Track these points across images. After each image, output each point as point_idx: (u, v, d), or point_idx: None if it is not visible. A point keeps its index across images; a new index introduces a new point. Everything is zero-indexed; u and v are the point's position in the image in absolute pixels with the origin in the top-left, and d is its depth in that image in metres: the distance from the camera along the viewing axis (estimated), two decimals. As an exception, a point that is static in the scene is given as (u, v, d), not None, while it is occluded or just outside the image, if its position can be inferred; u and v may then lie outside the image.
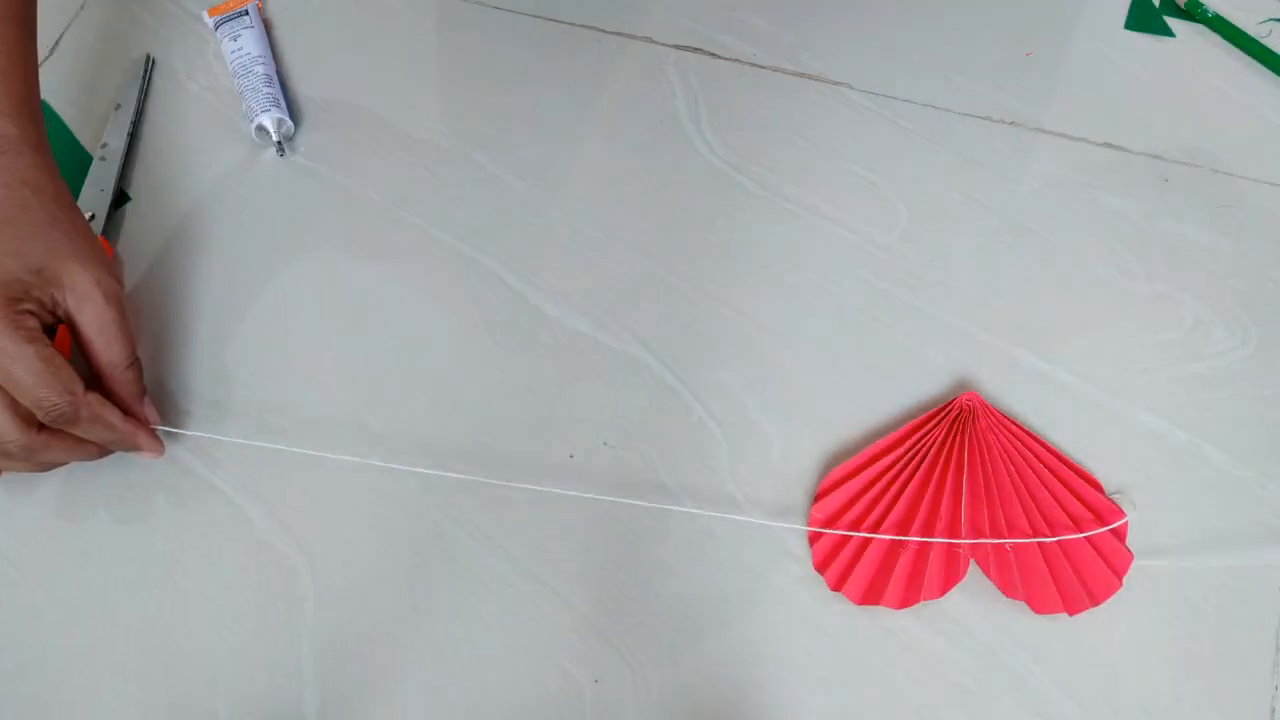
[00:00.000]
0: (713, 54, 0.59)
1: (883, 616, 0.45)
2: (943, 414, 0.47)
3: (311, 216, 0.55)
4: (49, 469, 0.45)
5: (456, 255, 0.53)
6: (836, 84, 0.58)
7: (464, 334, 0.51)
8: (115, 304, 0.44)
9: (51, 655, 0.45)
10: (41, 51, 0.60)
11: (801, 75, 0.58)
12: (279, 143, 0.55)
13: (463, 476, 0.47)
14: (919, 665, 0.44)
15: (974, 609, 0.45)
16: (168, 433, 0.48)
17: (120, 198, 0.55)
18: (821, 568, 0.45)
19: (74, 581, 0.46)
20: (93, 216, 0.54)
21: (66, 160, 0.56)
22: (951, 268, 0.52)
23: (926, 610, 0.45)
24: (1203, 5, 0.59)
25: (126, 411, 0.45)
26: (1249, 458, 0.47)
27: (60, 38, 0.61)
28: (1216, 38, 0.59)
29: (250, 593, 0.46)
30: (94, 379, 0.45)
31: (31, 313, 0.42)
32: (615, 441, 0.48)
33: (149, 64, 0.59)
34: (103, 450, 0.45)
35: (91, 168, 0.55)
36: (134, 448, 0.46)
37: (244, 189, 0.56)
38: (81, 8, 0.61)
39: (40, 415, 0.41)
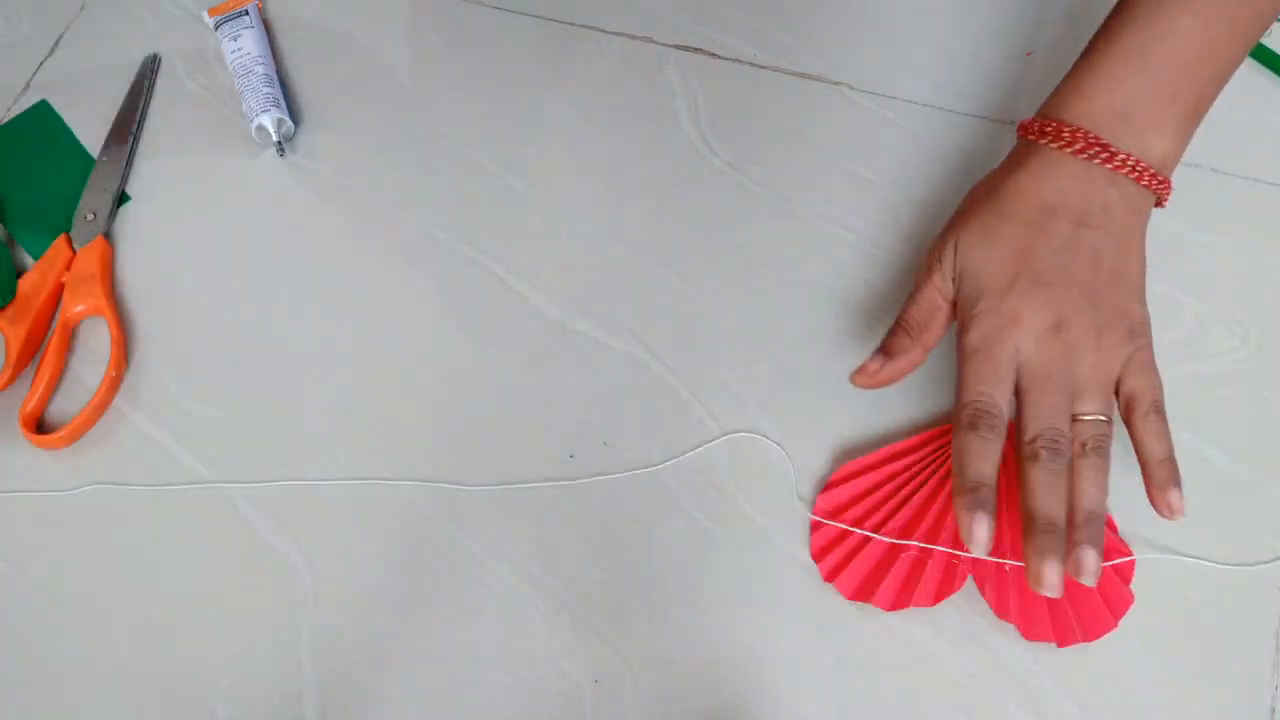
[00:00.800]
0: (713, 54, 0.59)
1: (883, 617, 0.45)
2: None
3: (311, 216, 0.55)
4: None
5: (456, 255, 0.53)
6: (836, 84, 0.58)
7: (464, 334, 0.51)
8: None
9: (52, 656, 0.45)
10: (41, 52, 0.60)
11: (801, 75, 0.58)
12: (279, 143, 0.55)
13: (465, 487, 0.47)
14: (919, 665, 0.44)
15: (974, 609, 0.45)
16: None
17: (120, 198, 0.55)
18: (818, 557, 0.45)
19: (74, 582, 0.46)
20: (94, 216, 0.54)
21: (67, 160, 0.56)
22: (951, 268, 0.52)
23: (926, 610, 0.45)
24: (1203, 5, 0.59)
25: None
26: (1249, 458, 0.47)
27: (60, 38, 0.61)
28: (1216, 38, 0.59)
29: (250, 593, 0.46)
30: None
31: None
32: (615, 441, 0.48)
33: (154, 64, 0.59)
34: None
35: (94, 169, 0.55)
36: None
37: (244, 189, 0.56)
38: (82, 8, 0.61)
39: None
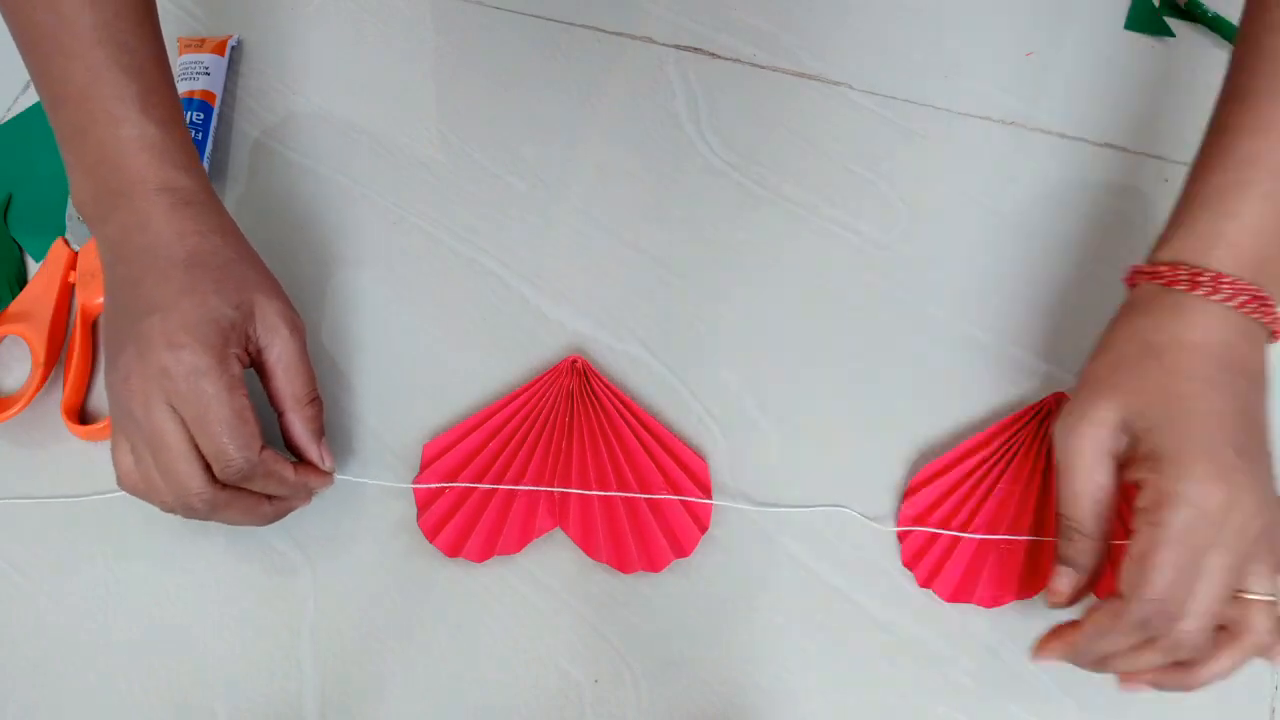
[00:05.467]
0: (713, 54, 0.59)
1: (882, 617, 0.45)
2: (1032, 414, 0.47)
3: (312, 216, 0.55)
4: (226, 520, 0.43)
5: (456, 255, 0.53)
6: (836, 84, 0.58)
7: (464, 334, 0.51)
8: (300, 338, 0.45)
9: (52, 656, 0.45)
10: (41, 51, 0.60)
11: (801, 75, 0.58)
12: None
13: (462, 485, 0.47)
14: (919, 665, 0.44)
15: (974, 609, 0.45)
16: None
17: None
18: (911, 564, 0.45)
19: (75, 583, 0.46)
20: (90, 216, 0.54)
21: (66, 160, 0.56)
22: (952, 267, 0.52)
23: (924, 609, 0.45)
24: (1203, 5, 0.59)
25: (301, 450, 0.44)
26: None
27: (60, 38, 0.61)
28: (1216, 38, 0.59)
29: (250, 593, 0.46)
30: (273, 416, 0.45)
31: (237, 357, 0.42)
32: (615, 441, 0.48)
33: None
34: (276, 514, 0.44)
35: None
36: (304, 498, 0.44)
37: (244, 189, 0.56)
38: (81, 8, 0.61)
39: (217, 469, 0.40)
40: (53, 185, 0.55)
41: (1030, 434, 0.47)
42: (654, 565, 0.45)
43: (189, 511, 0.41)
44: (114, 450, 0.42)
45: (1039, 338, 0.51)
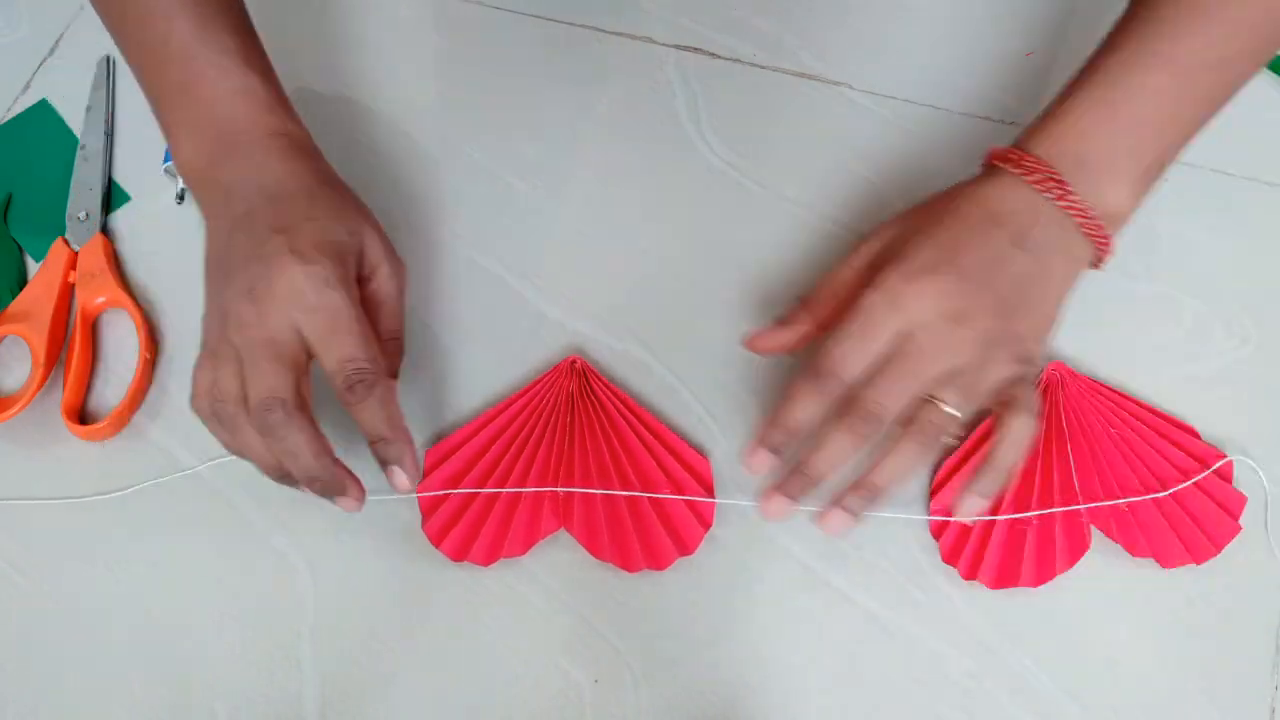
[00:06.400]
0: (713, 54, 0.59)
1: (882, 617, 0.45)
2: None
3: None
4: (275, 469, 0.42)
5: (456, 255, 0.53)
6: (836, 84, 0.58)
7: (464, 334, 0.51)
8: (400, 276, 0.46)
9: (52, 656, 0.45)
10: (41, 51, 0.60)
11: (801, 75, 0.58)
12: (182, 191, 0.55)
13: (463, 490, 0.47)
14: (919, 665, 0.44)
15: (974, 609, 0.45)
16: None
17: (110, 195, 0.55)
18: (951, 559, 0.45)
19: (75, 583, 0.46)
20: (87, 215, 0.54)
21: (68, 159, 0.56)
22: (951, 268, 0.52)
23: (926, 609, 0.45)
24: (1203, 5, 0.59)
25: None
26: (1249, 458, 0.47)
27: (60, 38, 0.61)
28: (1216, 38, 0.58)
29: (250, 593, 0.46)
30: None
31: (353, 278, 0.43)
32: (615, 441, 0.48)
33: (109, 64, 0.59)
34: (329, 480, 0.42)
35: (75, 169, 0.55)
36: (397, 452, 0.43)
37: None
38: (81, 8, 0.61)
39: (341, 377, 0.41)
40: (53, 185, 0.55)
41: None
42: (658, 563, 0.45)
43: (265, 417, 0.40)
44: (196, 370, 0.42)
45: (1039, 338, 0.51)
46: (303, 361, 0.42)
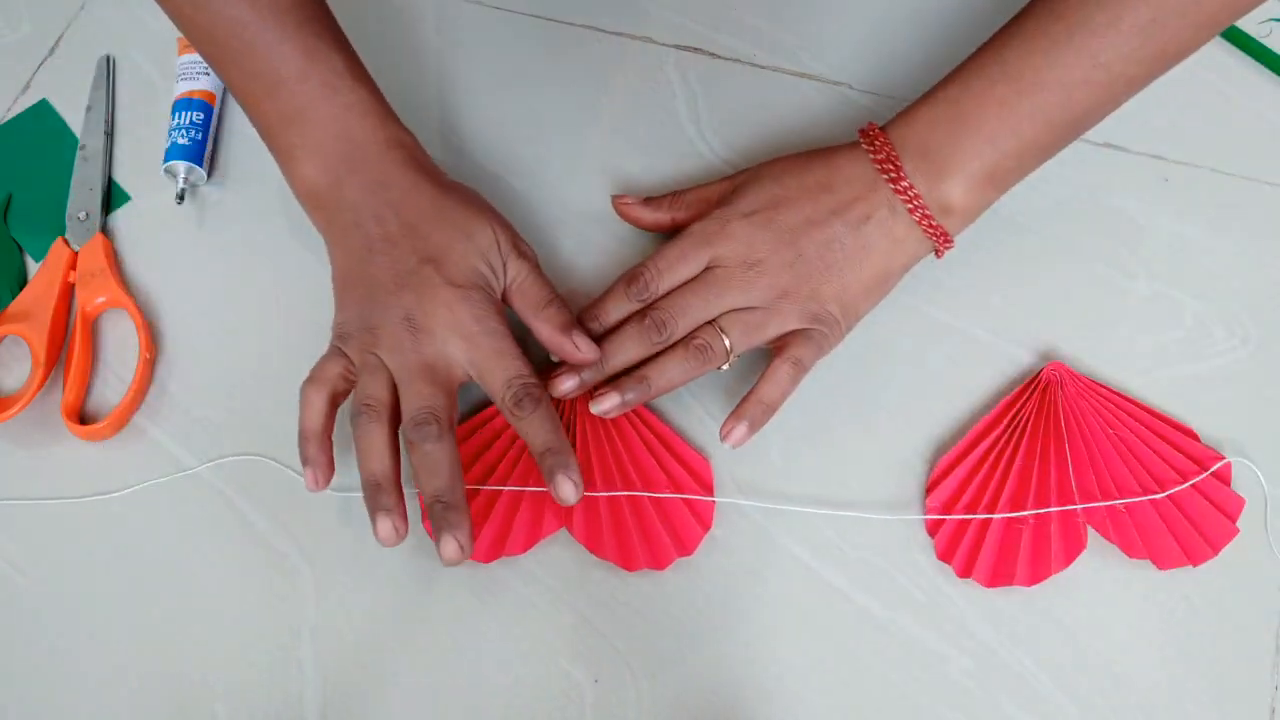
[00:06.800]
0: (713, 54, 0.59)
1: (882, 617, 0.45)
2: (1032, 387, 0.48)
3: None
4: (373, 468, 0.43)
5: (456, 255, 0.53)
6: (836, 84, 0.58)
7: (464, 334, 0.51)
8: (531, 259, 0.48)
9: (52, 656, 0.45)
10: (41, 51, 0.60)
11: (801, 75, 0.58)
12: (181, 190, 0.54)
13: (468, 487, 0.47)
14: (919, 665, 0.44)
15: (974, 609, 0.45)
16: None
17: (109, 195, 0.55)
18: (946, 557, 0.45)
19: (75, 583, 0.46)
20: (87, 215, 0.54)
21: (68, 159, 0.56)
22: (951, 267, 0.52)
23: (927, 610, 0.45)
24: (1202, 5, 0.59)
25: (556, 348, 0.46)
26: (1249, 458, 0.47)
27: (60, 38, 0.61)
28: (1216, 37, 0.58)
29: (250, 593, 0.46)
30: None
31: (499, 297, 0.46)
32: (615, 441, 0.48)
33: (109, 64, 0.59)
34: (453, 502, 0.42)
35: (75, 169, 0.55)
36: (564, 461, 0.43)
37: (245, 189, 0.56)
38: (81, 8, 0.61)
39: (509, 394, 0.43)
40: (53, 185, 0.55)
41: (1034, 407, 0.47)
42: (658, 563, 0.45)
43: (422, 425, 0.42)
44: (325, 361, 0.45)
45: (1038, 337, 0.51)
46: (455, 387, 0.44)
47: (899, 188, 0.46)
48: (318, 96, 0.46)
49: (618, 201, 0.52)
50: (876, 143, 0.46)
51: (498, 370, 0.44)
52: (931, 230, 0.46)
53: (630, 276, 0.47)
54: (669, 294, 0.46)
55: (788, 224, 0.46)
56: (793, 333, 0.46)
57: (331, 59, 0.46)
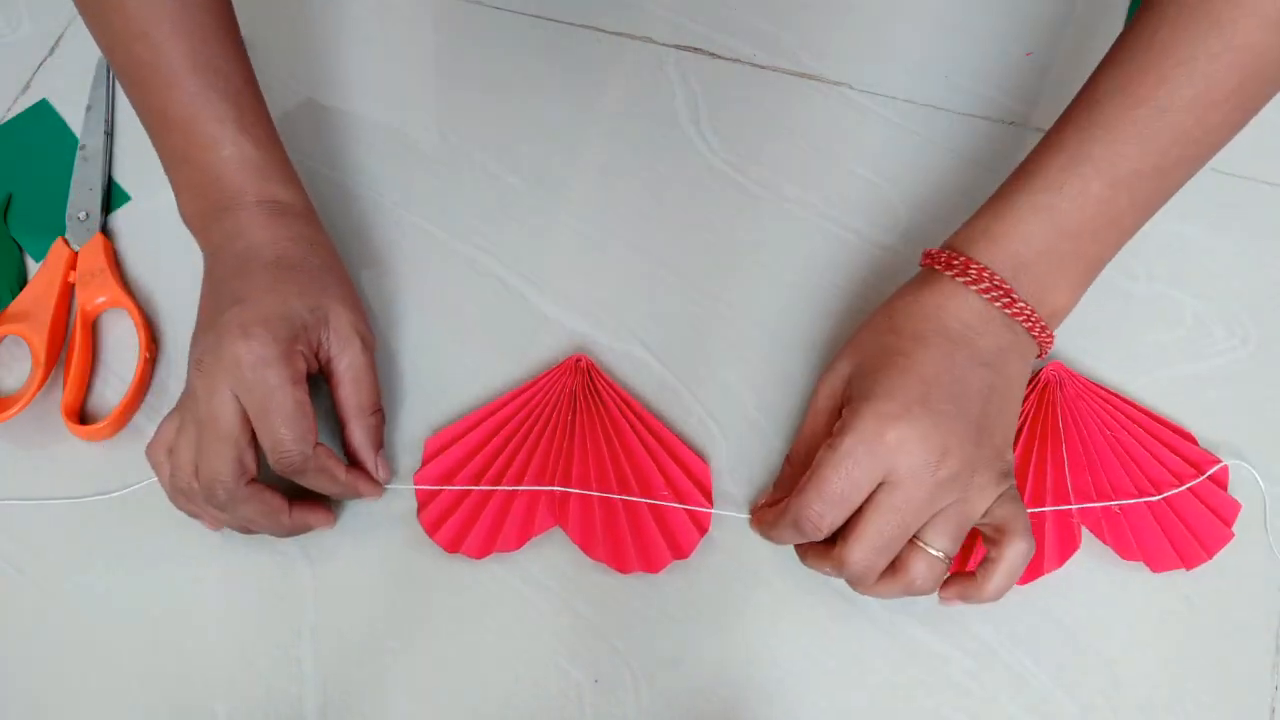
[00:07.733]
0: (713, 54, 0.59)
1: (883, 618, 0.45)
2: (1031, 387, 0.48)
3: (311, 216, 0.55)
4: (240, 529, 0.45)
5: (456, 255, 0.53)
6: (836, 84, 0.58)
7: (464, 334, 0.51)
8: (370, 351, 0.47)
9: (53, 656, 0.45)
10: (41, 51, 0.60)
11: (801, 75, 0.58)
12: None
13: (463, 487, 0.47)
14: (919, 665, 0.44)
15: (974, 609, 0.45)
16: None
17: (109, 195, 0.55)
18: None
19: (75, 583, 0.46)
20: (87, 215, 0.54)
21: (68, 159, 0.56)
22: (951, 268, 0.52)
23: (929, 611, 0.45)
24: (1203, 5, 0.59)
25: (359, 458, 0.46)
26: (1248, 458, 0.47)
27: (60, 38, 0.61)
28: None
29: (250, 593, 0.46)
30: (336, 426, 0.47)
31: (303, 354, 0.44)
32: (615, 441, 0.48)
33: (109, 64, 0.59)
34: (294, 527, 0.45)
35: (75, 169, 0.55)
36: (354, 495, 0.46)
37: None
38: (81, 8, 0.61)
39: (272, 458, 0.42)
40: (53, 185, 0.55)
41: (1033, 406, 0.47)
42: (652, 566, 0.45)
43: (210, 496, 0.42)
44: (164, 421, 0.44)
45: (1039, 338, 0.51)
46: (245, 435, 0.42)
47: (1015, 310, 0.42)
48: (197, 145, 0.46)
49: (755, 523, 0.46)
50: (971, 270, 0.42)
51: (264, 429, 0.42)
52: (1044, 337, 0.43)
53: (793, 522, 0.41)
54: (853, 536, 0.40)
55: (945, 397, 0.40)
56: (994, 504, 0.41)
57: (220, 109, 0.46)
